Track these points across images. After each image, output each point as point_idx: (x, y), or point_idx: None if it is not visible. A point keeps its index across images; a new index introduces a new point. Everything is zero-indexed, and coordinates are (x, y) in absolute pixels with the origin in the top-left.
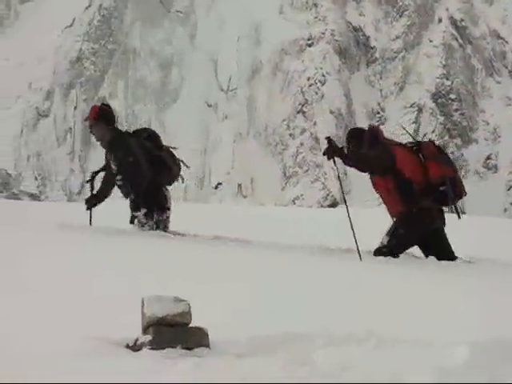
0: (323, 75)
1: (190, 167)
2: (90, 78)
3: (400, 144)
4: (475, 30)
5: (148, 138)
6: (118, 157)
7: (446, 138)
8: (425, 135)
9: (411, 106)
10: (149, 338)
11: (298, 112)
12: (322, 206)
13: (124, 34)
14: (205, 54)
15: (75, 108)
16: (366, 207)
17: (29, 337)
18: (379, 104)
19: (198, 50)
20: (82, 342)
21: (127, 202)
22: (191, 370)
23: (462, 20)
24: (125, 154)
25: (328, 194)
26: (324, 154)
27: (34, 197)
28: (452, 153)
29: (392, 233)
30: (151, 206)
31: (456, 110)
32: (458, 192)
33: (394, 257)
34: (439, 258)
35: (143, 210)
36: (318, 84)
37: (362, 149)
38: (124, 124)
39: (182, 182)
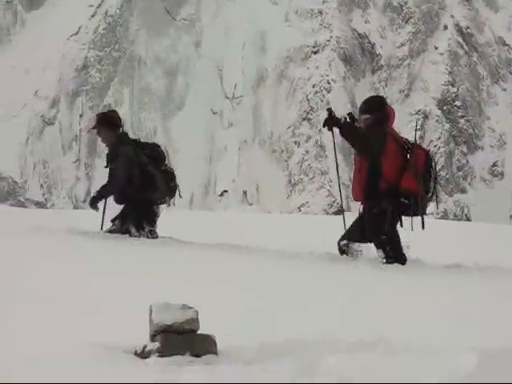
0: (328, 82)
1: (182, 197)
2: (96, 85)
3: (397, 139)
4: (481, 37)
5: (150, 153)
6: (108, 160)
7: (452, 144)
8: (430, 142)
9: (417, 113)
10: (157, 345)
11: (304, 119)
12: (327, 214)
13: (129, 42)
14: (210, 62)
15: (81, 116)
16: None
17: (37, 343)
18: None
19: (203, 57)
20: (91, 349)
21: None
22: (199, 378)
23: (468, 27)
24: (113, 159)
25: (334, 202)
26: (324, 126)
27: (39, 204)
28: (458, 160)
29: (383, 244)
30: (141, 219)
31: (462, 117)
32: (417, 210)
33: (403, 263)
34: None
35: (132, 225)
36: (324, 91)
37: (370, 116)
38: (130, 131)
39: (168, 205)
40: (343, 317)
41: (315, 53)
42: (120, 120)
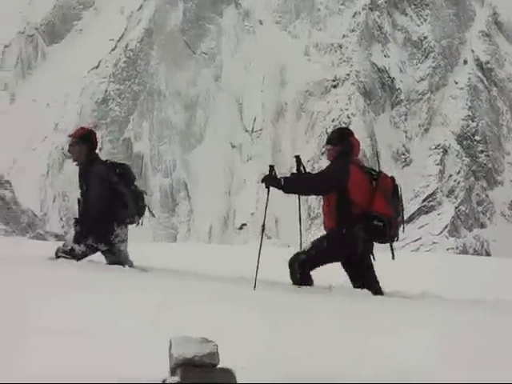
0: (348, 116)
1: (156, 216)
2: (116, 119)
3: (361, 166)
4: (501, 71)
5: (120, 172)
6: (80, 180)
7: (472, 179)
8: (450, 176)
9: (436, 148)
10: (176, 379)
11: (323, 153)
12: None
13: (149, 76)
14: (230, 95)
15: (100, 149)
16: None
17: (60, 374)
18: (404, 145)
19: (222, 91)
20: (110, 382)
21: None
22: None
23: (488, 62)
24: (85, 180)
25: None
26: (261, 182)
27: (59, 237)
28: (477, 195)
29: (315, 243)
30: (98, 238)
31: (481, 152)
32: (390, 234)
33: (304, 269)
34: (363, 286)
35: (88, 241)
36: (343, 125)
37: (334, 147)
38: (149, 165)
39: (136, 225)
40: (361, 350)
41: (335, 87)
42: (97, 143)
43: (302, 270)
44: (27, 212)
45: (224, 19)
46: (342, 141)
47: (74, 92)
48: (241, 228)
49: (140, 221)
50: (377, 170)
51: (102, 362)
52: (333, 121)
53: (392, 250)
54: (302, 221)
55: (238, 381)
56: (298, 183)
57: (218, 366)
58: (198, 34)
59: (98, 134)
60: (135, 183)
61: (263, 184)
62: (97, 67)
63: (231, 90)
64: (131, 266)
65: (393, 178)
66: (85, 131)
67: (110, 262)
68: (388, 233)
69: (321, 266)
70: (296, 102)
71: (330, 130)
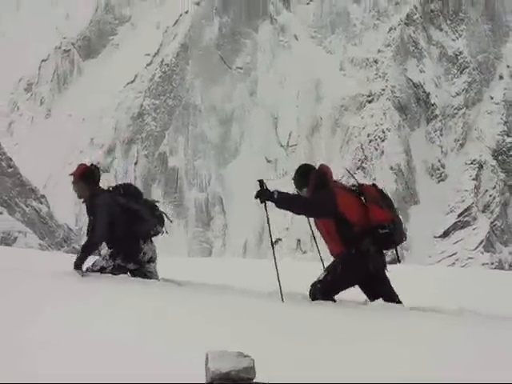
0: (383, 131)
1: (173, 221)
2: (151, 133)
3: (343, 187)
4: None
5: (125, 192)
6: (88, 214)
7: (507, 194)
8: (486, 191)
9: (472, 163)
10: None
11: (358, 168)
12: None
13: (185, 90)
14: (265, 110)
15: (136, 163)
16: (427, 264)
17: None
18: (439, 160)
19: (258, 106)
20: None
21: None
22: None
23: None
24: (91, 211)
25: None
26: (256, 198)
27: (94, 252)
28: None
29: (329, 269)
30: (126, 257)
31: None
32: (399, 236)
33: (327, 298)
34: (385, 300)
35: (117, 261)
36: (378, 140)
37: (308, 187)
38: (184, 179)
39: (162, 234)
40: (395, 363)
41: (370, 102)
42: (99, 176)
43: (326, 299)
44: (63, 226)
45: (259, 34)
46: (309, 177)
47: (109, 107)
48: (276, 243)
49: (163, 229)
50: (356, 184)
51: (137, 373)
52: (368, 136)
53: (397, 253)
54: None
55: None
56: (292, 201)
57: (255, 381)
58: (234, 49)
59: (134, 149)
60: (144, 198)
61: (258, 200)
62: (132, 82)
63: (266, 105)
64: None
65: (374, 185)
66: (84, 169)
67: None
68: (396, 236)
69: (340, 292)
70: (331, 116)
71: (365, 146)
